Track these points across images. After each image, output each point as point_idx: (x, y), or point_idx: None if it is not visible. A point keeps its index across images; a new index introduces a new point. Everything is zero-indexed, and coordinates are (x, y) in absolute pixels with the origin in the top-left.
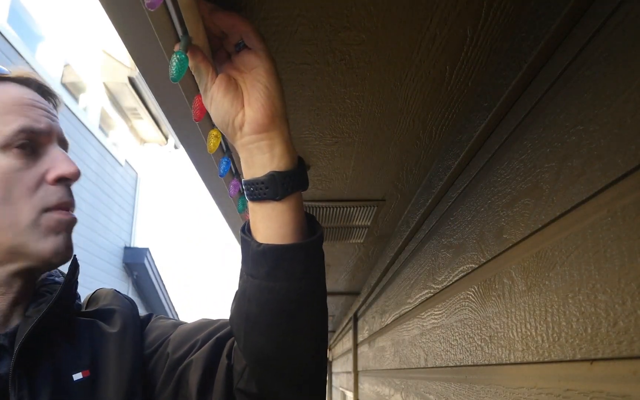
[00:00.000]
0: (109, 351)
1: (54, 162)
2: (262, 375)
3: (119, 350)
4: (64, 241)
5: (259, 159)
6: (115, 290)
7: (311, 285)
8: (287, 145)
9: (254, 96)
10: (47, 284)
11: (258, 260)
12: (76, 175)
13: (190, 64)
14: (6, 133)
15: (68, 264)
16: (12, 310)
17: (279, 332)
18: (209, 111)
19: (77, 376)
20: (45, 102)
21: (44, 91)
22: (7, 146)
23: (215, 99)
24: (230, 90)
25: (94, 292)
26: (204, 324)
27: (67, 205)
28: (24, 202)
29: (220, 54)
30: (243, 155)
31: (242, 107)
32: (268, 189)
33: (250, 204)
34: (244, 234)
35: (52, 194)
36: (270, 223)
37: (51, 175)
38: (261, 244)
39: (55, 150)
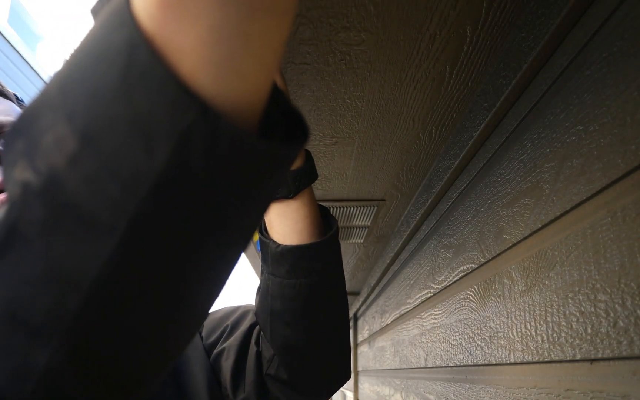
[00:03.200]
0: None
1: None
2: (291, 363)
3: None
4: None
5: None
6: None
7: (330, 277)
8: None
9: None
10: None
11: (277, 260)
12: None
13: None
14: None
15: None
16: None
17: (304, 324)
18: None
19: None
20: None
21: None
22: None
23: None
24: None
25: None
26: (232, 310)
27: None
28: None
29: None
30: None
31: None
32: (280, 188)
33: None
34: (262, 235)
35: None
36: (286, 220)
37: None
38: (279, 245)
39: None
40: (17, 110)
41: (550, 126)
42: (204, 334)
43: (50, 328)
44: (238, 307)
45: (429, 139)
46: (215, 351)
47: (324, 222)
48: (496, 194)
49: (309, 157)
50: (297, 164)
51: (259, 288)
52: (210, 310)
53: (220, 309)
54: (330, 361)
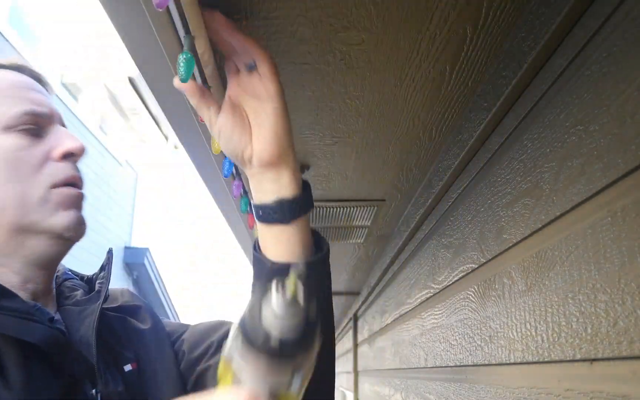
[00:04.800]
0: (147, 346)
1: (59, 140)
2: None
3: (157, 345)
4: (75, 216)
5: (268, 187)
6: (129, 289)
7: (318, 297)
8: (294, 173)
9: (261, 134)
10: (67, 283)
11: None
12: (81, 150)
13: (192, 101)
14: (10, 115)
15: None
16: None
17: None
18: (217, 141)
19: (127, 367)
20: (41, 87)
21: (37, 78)
22: (9, 128)
23: (224, 132)
24: (237, 124)
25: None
26: (216, 325)
27: (75, 180)
28: (32, 179)
29: (229, 65)
30: (252, 182)
31: (249, 140)
32: (277, 213)
33: (259, 225)
34: (257, 252)
35: (59, 170)
36: (279, 243)
37: (57, 152)
38: (274, 263)
39: (58, 129)
40: (49, 98)
41: (550, 126)
42: (185, 348)
43: None
44: (222, 323)
45: (429, 139)
46: (199, 367)
47: (316, 243)
48: (496, 194)
49: (306, 186)
50: (294, 192)
51: (249, 304)
52: (192, 323)
53: (201, 323)
54: (315, 380)
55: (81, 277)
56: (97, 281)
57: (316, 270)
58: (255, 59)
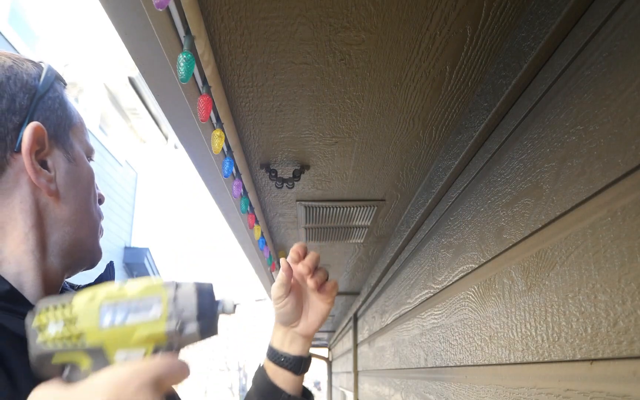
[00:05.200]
0: None
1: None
2: None
3: None
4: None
5: (295, 346)
6: None
7: None
8: (310, 343)
9: (312, 319)
10: (66, 289)
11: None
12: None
13: (282, 276)
14: (89, 145)
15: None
16: None
17: None
18: (274, 305)
19: None
20: None
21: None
22: (88, 157)
23: (286, 308)
24: (298, 308)
25: None
26: None
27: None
28: (95, 206)
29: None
30: (288, 335)
31: (299, 318)
32: (294, 365)
33: (273, 364)
34: (274, 383)
35: (99, 207)
36: (286, 383)
37: (100, 193)
38: (290, 396)
39: None
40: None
41: (550, 126)
42: None
43: None
44: None
45: (429, 139)
46: None
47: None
48: (496, 194)
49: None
50: (307, 355)
51: None
52: None
53: None
54: None
55: (78, 287)
56: None
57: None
58: (328, 278)
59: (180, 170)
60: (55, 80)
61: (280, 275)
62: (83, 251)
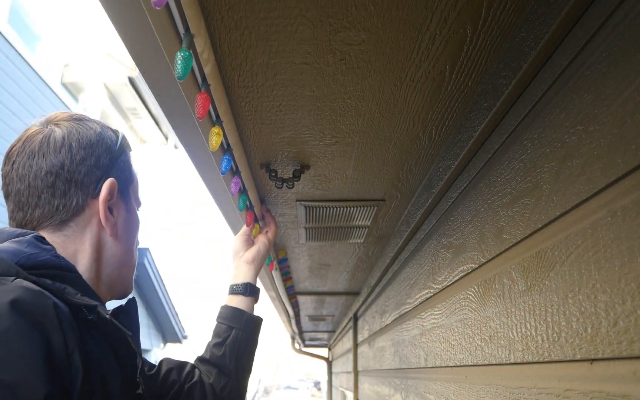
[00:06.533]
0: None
1: None
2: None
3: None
4: None
5: (242, 274)
6: None
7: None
8: (255, 271)
9: (252, 252)
10: None
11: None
12: None
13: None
14: (139, 199)
15: None
16: None
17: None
18: (234, 238)
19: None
20: None
21: None
22: (138, 208)
23: (239, 241)
24: (250, 243)
25: None
26: (180, 365)
27: None
28: (137, 249)
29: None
30: (238, 268)
31: (245, 250)
32: (242, 289)
33: (229, 295)
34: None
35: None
36: (239, 305)
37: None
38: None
39: None
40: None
41: (550, 126)
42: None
43: None
44: (185, 363)
45: (429, 139)
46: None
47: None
48: (496, 194)
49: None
50: (254, 282)
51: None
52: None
53: (172, 360)
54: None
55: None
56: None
57: (254, 324)
58: (269, 228)
59: (181, 170)
60: (126, 147)
61: (243, 229)
62: (122, 285)
